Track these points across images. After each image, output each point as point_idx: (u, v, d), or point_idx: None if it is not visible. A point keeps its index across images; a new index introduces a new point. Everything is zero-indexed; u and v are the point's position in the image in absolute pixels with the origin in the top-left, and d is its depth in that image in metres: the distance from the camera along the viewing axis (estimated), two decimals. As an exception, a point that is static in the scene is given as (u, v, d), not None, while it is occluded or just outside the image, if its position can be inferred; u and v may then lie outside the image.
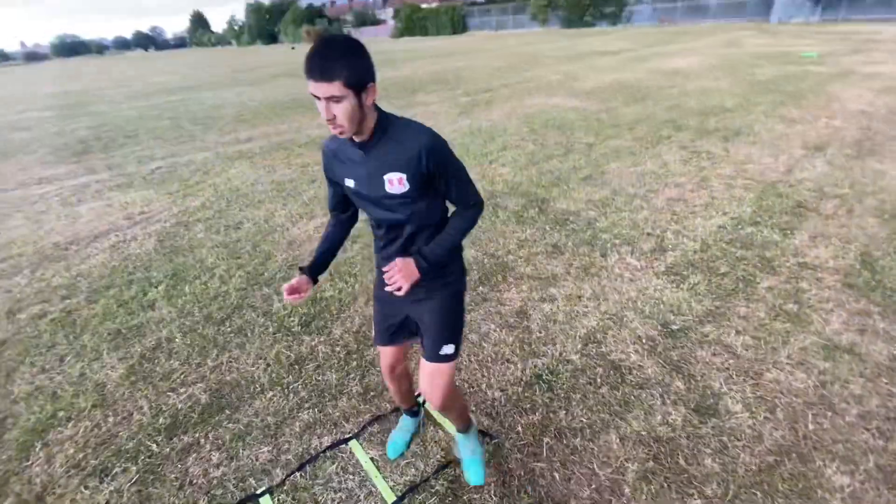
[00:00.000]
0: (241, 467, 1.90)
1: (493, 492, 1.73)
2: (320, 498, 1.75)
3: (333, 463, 1.89)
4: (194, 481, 1.85)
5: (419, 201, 1.31)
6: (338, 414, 2.12)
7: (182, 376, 2.41)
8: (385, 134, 1.23)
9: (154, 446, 2.02)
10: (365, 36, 45.06)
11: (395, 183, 1.26)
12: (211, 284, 3.25)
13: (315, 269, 1.49)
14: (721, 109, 7.01)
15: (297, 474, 1.85)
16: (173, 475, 1.88)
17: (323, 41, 1.08)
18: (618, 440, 1.90)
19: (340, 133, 1.17)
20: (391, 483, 1.79)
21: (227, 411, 2.18)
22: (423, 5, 43.50)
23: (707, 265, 3.06)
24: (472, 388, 2.21)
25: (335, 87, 1.07)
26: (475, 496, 1.72)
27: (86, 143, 8.23)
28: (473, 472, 1.73)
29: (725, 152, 5.18)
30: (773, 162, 4.79)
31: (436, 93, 10.53)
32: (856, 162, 4.65)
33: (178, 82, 18.47)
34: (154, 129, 9.01)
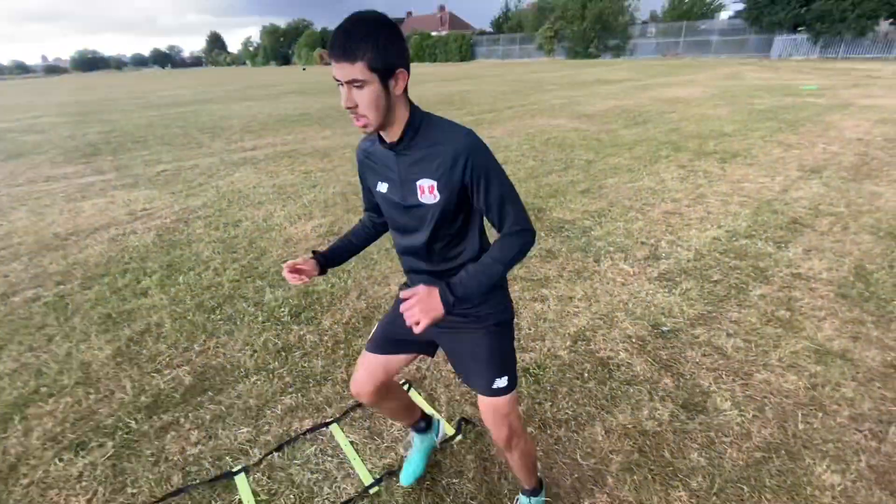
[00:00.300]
0: (218, 446, 1.86)
1: (473, 477, 1.69)
2: (297, 478, 1.72)
3: (313, 445, 1.86)
4: (170, 458, 1.82)
5: (450, 220, 1.12)
6: (321, 399, 2.09)
7: (168, 359, 2.40)
8: (417, 133, 1.06)
9: (133, 423, 1.99)
10: (376, 60, 46.00)
11: (427, 191, 1.08)
12: (205, 276, 3.26)
13: (327, 258, 1.34)
14: (720, 134, 7.12)
15: (275, 454, 1.82)
16: (149, 451, 1.85)
17: (352, 17, 0.95)
18: (603, 432, 1.86)
19: (364, 127, 1.02)
20: (370, 466, 1.76)
21: (210, 393, 2.15)
22: (434, 33, 44.89)
23: (700, 273, 3.06)
24: (458, 378, 2.19)
25: (357, 70, 0.93)
26: (454, 481, 1.68)
27: (95, 146, 8.39)
28: None
29: (723, 172, 5.24)
30: (770, 182, 4.84)
31: (441, 112, 10.66)
32: (852, 184, 4.69)
33: (190, 96, 18.93)
34: (163, 136, 9.19)
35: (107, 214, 4.64)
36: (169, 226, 4.24)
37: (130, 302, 2.96)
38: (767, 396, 2.02)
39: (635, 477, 1.67)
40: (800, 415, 1.91)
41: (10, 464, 1.82)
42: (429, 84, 19.04)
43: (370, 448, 1.84)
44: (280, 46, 69.32)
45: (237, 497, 1.65)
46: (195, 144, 8.20)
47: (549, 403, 2.02)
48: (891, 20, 21.17)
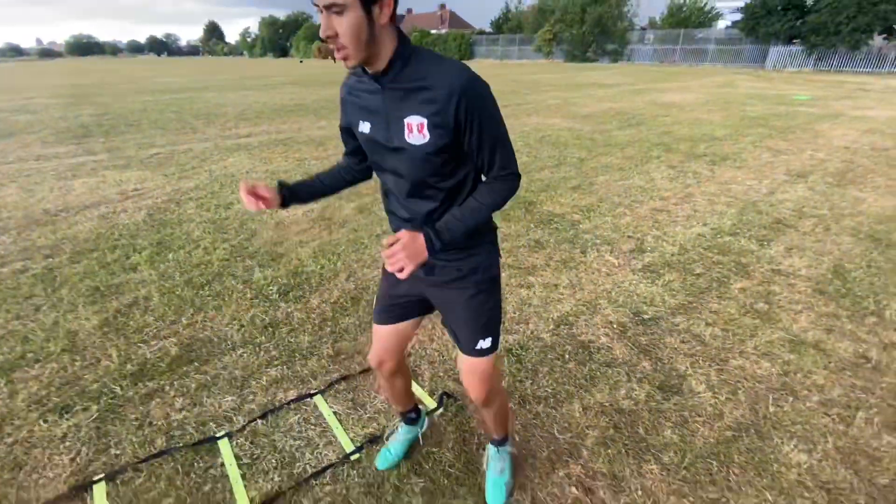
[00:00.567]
0: (203, 413, 1.89)
1: (452, 447, 1.73)
2: (279, 444, 1.75)
3: (297, 414, 1.89)
4: (154, 423, 1.84)
5: (440, 164, 1.04)
6: (306, 372, 2.13)
7: (155, 330, 2.41)
8: (407, 65, 0.98)
9: (118, 389, 2.01)
10: (375, 56, 45.87)
11: (415, 130, 0.99)
12: (195, 254, 3.27)
13: (292, 192, 1.25)
14: (711, 138, 7.22)
15: (259, 422, 1.84)
16: (133, 416, 1.87)
17: None
18: (580, 409, 1.91)
19: (344, 59, 0.93)
20: (352, 434, 1.79)
21: (196, 363, 2.18)
22: (433, 31, 44.85)
23: (683, 266, 3.13)
24: (442, 356, 2.23)
25: None
26: (434, 450, 1.72)
27: (88, 128, 8.32)
28: (495, 494, 1.51)
29: (711, 173, 5.33)
30: (757, 184, 4.93)
31: (438, 107, 10.77)
32: (836, 189, 4.80)
33: (186, 83, 18.77)
34: (157, 120, 9.12)
35: (97, 193, 4.62)
36: (160, 206, 4.24)
37: (119, 276, 2.96)
38: (741, 381, 2.08)
39: (609, 451, 1.72)
40: (771, 398, 1.98)
41: (-6, 424, 1.83)
42: (427, 81, 19.03)
43: (353, 418, 1.87)
44: (278, 38, 68.90)
45: (220, 460, 1.68)
46: (189, 129, 8.16)
47: (530, 381, 2.06)
48: (884, 35, 21.53)
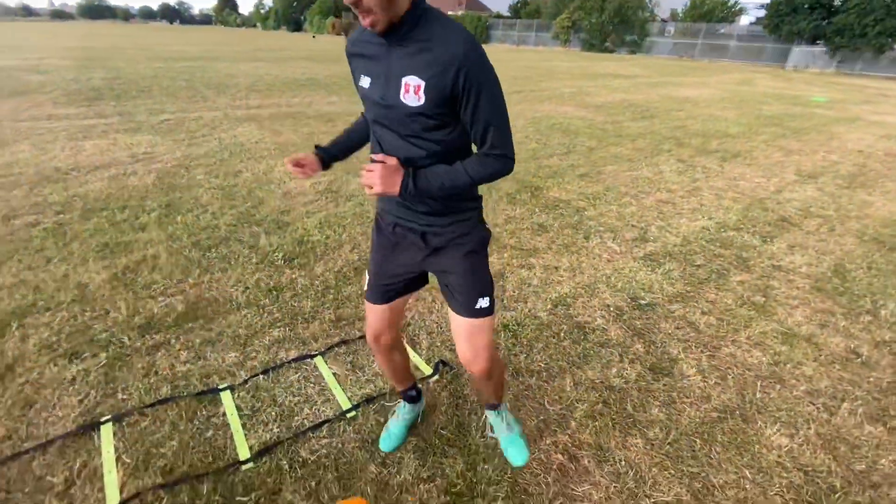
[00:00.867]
0: (206, 366, 1.96)
1: (445, 411, 1.79)
2: (279, 399, 1.82)
3: (297, 373, 1.96)
4: (159, 372, 1.91)
5: (433, 129, 1.05)
6: (307, 334, 2.19)
7: (162, 288, 2.48)
8: (417, 25, 0.98)
9: (126, 339, 2.08)
10: (389, 34, 45.37)
11: (412, 91, 0.99)
12: (203, 218, 3.32)
13: (329, 154, 1.34)
14: (724, 134, 7.16)
15: (260, 377, 1.91)
16: (140, 365, 1.94)
17: None
18: (571, 384, 1.97)
19: (372, 25, 0.95)
20: (349, 394, 1.85)
21: (202, 321, 2.24)
22: (450, 12, 44.09)
23: (684, 257, 3.15)
24: (440, 327, 2.28)
25: None
26: (428, 412, 1.78)
27: (99, 91, 8.32)
28: (515, 451, 1.55)
29: (721, 169, 5.30)
30: (765, 182, 4.91)
31: (450, 89, 10.68)
32: (845, 191, 4.77)
33: (198, 52, 18.63)
34: (168, 87, 9.11)
35: (108, 155, 4.66)
36: (169, 170, 4.28)
37: (128, 235, 3.02)
38: (731, 368, 2.13)
39: (597, 423, 1.78)
40: (759, 385, 2.03)
41: (7, 364, 1.90)
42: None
43: (351, 379, 1.93)
44: (292, 12, 67.92)
45: (221, 410, 1.75)
46: (200, 98, 8.15)
47: (524, 356, 2.12)
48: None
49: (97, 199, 3.56)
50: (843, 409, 1.92)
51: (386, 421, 1.71)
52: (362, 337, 2.18)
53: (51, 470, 1.51)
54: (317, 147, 1.35)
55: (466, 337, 1.30)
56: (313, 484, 1.49)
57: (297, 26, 66.98)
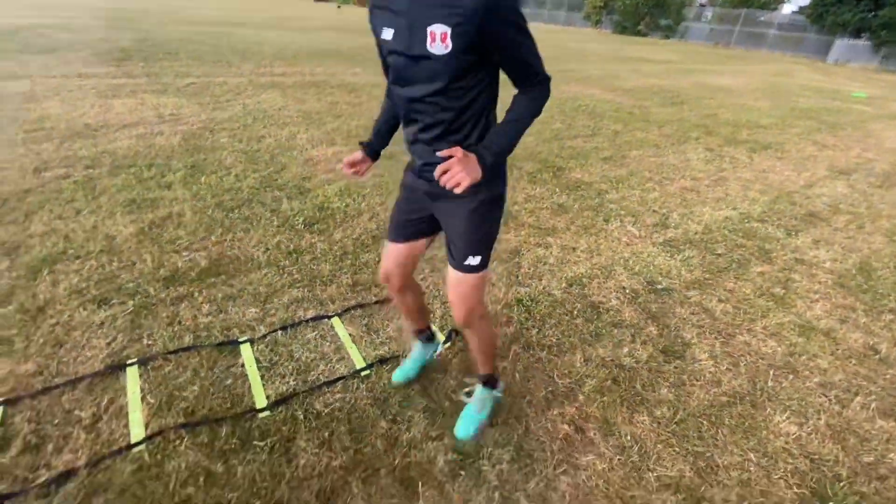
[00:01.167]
0: (227, 319, 2.02)
1: (455, 377, 1.83)
2: (296, 354, 1.87)
3: (314, 331, 2.01)
4: (183, 322, 1.98)
5: (460, 78, 1.05)
6: (325, 296, 2.23)
7: (187, 243, 2.54)
8: None
9: (151, 290, 2.15)
10: (415, 8, 44.30)
11: (438, 39, 0.99)
12: (226, 180, 3.37)
13: (374, 144, 1.40)
14: (755, 125, 6.92)
15: (279, 333, 1.97)
16: (164, 314, 2.01)
17: None
18: (582, 360, 1.98)
19: None
20: (363, 354, 1.90)
21: (224, 277, 2.30)
22: (479, -13, 42.77)
23: (705, 245, 3.10)
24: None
25: None
26: (438, 376, 1.82)
27: (128, 52, 8.38)
28: (465, 425, 1.58)
29: (750, 160, 5.15)
30: (795, 176, 4.76)
31: (475, 66, 10.49)
32: (878, 190, 4.61)
33: (224, 17, 18.53)
34: (194, 51, 9.12)
35: (136, 114, 4.73)
36: (195, 132, 4.33)
37: (154, 192, 3.09)
38: (744, 355, 2.12)
39: (605, 399, 1.80)
40: (771, 374, 2.01)
41: (39, 306, 1.99)
42: (466, 39, 18.42)
43: (366, 341, 1.98)
44: (319, -19, 66.89)
45: (241, 361, 1.81)
46: (225, 63, 8.15)
47: (536, 330, 2.13)
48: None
49: (125, 156, 3.63)
50: (856, 403, 1.91)
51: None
52: (378, 302, 2.22)
53: (79, 405, 1.59)
54: (361, 144, 1.40)
55: (453, 286, 1.35)
56: (326, 435, 1.55)
57: (322, -4, 65.97)
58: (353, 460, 1.48)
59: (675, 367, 1.99)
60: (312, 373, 1.79)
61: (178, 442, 1.47)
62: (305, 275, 2.38)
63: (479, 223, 1.27)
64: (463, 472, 1.48)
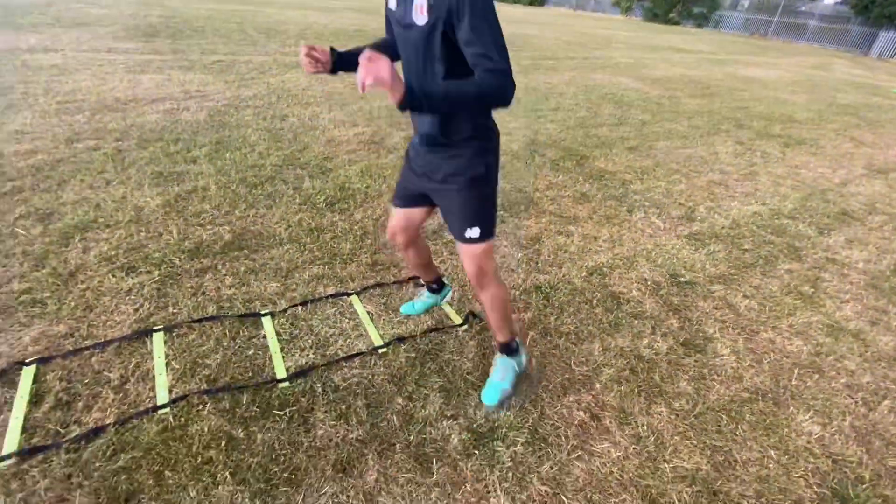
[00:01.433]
0: (249, 292, 2.06)
1: (471, 359, 1.83)
2: (315, 329, 1.90)
3: (333, 307, 2.03)
4: (206, 293, 2.02)
5: (440, 47, 1.13)
6: (345, 274, 2.25)
7: (211, 217, 2.58)
8: None
9: (177, 261, 2.20)
10: (441, -9, 43.50)
11: (421, 10, 1.10)
12: (250, 156, 3.40)
13: (342, 58, 1.37)
14: (789, 119, 6.67)
15: (299, 307, 1.99)
16: (189, 284, 2.06)
17: None
18: (600, 349, 1.96)
19: None
20: (381, 332, 1.92)
21: (246, 251, 2.34)
22: (507, -30, 41.84)
23: (732, 240, 3.02)
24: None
25: None
26: (455, 358, 1.83)
27: (155, 28, 8.47)
28: (489, 393, 1.63)
29: (782, 155, 4.97)
30: (830, 173, 4.58)
31: (499, 51, 10.31)
32: (919, 191, 4.41)
33: (251, -3, 18.55)
34: (220, 29, 9.17)
35: (163, 89, 4.79)
36: (220, 109, 4.37)
37: (180, 166, 3.14)
38: (768, 353, 2.07)
39: (622, 388, 1.78)
40: (796, 372, 1.96)
41: (70, 271, 2.06)
42: (492, 23, 18.08)
43: (384, 319, 1.99)
44: (345, -39, 66.34)
45: (262, 332, 1.85)
46: (250, 42, 8.18)
47: (555, 317, 2.12)
48: None
49: (153, 130, 3.69)
50: (884, 406, 1.85)
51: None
52: (397, 282, 2.23)
53: (108, 366, 1.64)
54: (331, 48, 1.36)
55: (463, 256, 1.47)
56: (343, 408, 1.57)
57: (347, -23, 65.41)
58: (370, 434, 1.50)
59: (696, 361, 1.96)
60: (331, 347, 1.81)
61: (200, 406, 1.52)
62: (326, 252, 2.40)
63: (466, 201, 1.37)
64: (477, 452, 1.49)
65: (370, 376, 1.70)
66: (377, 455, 1.44)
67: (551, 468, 1.47)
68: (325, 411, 1.55)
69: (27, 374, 1.56)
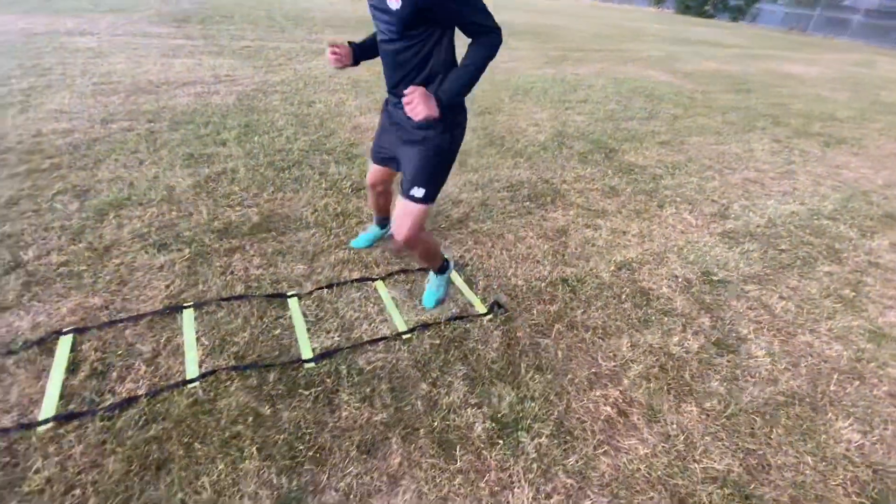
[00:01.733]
0: (276, 273, 2.07)
1: (496, 348, 1.81)
2: (341, 312, 1.90)
3: (358, 292, 2.03)
4: (235, 272, 2.05)
5: (413, 29, 1.29)
6: (370, 259, 2.25)
7: (239, 199, 2.61)
8: None
9: (206, 240, 2.23)
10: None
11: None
12: (278, 140, 3.43)
13: (361, 49, 1.56)
14: (830, 117, 6.38)
15: (325, 290, 2.00)
16: (218, 264, 2.09)
17: None
18: (628, 344, 1.92)
19: None
20: (405, 318, 1.91)
21: (274, 233, 2.35)
22: (536, -40, 41.04)
23: (768, 239, 2.91)
24: (497, 271, 2.27)
25: None
26: (480, 347, 1.81)
27: (187, 14, 8.60)
28: (427, 297, 1.98)
29: (822, 154, 4.76)
30: (873, 174, 4.37)
31: (527, 41, 10.14)
32: (970, 195, 4.17)
33: (279, -15, 18.66)
34: (248, 15, 9.26)
35: (194, 73, 4.86)
36: (249, 93, 4.41)
37: (210, 148, 3.18)
38: (805, 357, 1.99)
39: (651, 385, 1.74)
40: (835, 377, 1.88)
41: (105, 246, 2.11)
42: (518, 12, 17.80)
43: (408, 305, 1.99)
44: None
45: (288, 313, 1.86)
46: (278, 28, 8.24)
47: (581, 311, 2.08)
48: None
49: (184, 112, 3.75)
50: (930, 418, 1.76)
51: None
52: (421, 269, 2.21)
53: (140, 339, 1.68)
54: (349, 42, 1.56)
55: (397, 213, 1.60)
56: (368, 391, 1.57)
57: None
58: (394, 417, 1.49)
59: (728, 361, 1.89)
60: (356, 331, 1.81)
61: (229, 382, 1.54)
62: (351, 237, 2.39)
63: (424, 163, 1.52)
64: (501, 441, 1.47)
65: (394, 361, 1.70)
66: (401, 439, 1.44)
67: (577, 462, 1.44)
68: (350, 393, 1.56)
69: (64, 343, 1.60)
